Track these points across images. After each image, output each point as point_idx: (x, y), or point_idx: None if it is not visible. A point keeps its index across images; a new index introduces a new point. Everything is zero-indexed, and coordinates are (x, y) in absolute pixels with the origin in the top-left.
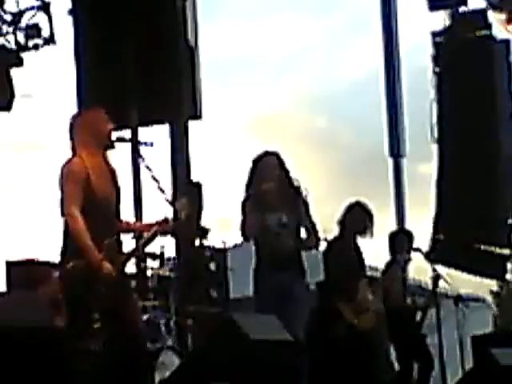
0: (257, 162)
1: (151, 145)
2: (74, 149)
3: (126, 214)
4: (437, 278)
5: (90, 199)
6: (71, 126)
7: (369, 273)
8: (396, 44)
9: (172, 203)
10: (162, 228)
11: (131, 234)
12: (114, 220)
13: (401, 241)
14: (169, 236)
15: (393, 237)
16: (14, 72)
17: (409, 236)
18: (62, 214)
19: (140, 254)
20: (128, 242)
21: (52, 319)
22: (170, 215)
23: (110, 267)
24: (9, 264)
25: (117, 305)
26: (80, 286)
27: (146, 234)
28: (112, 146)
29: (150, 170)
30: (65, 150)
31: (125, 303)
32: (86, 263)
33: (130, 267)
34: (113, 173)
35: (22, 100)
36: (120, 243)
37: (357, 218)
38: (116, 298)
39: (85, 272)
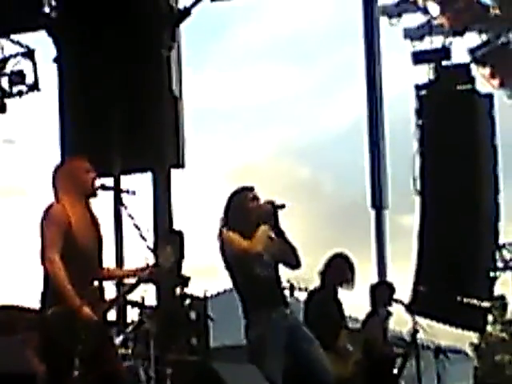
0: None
1: (134, 193)
2: (56, 197)
3: (108, 261)
4: (416, 329)
5: (70, 246)
6: (54, 175)
7: (349, 324)
8: (380, 96)
9: (154, 251)
10: (144, 275)
11: (113, 282)
12: (96, 268)
13: (382, 293)
14: (149, 284)
15: (374, 288)
16: None
17: (390, 288)
18: (42, 260)
19: (121, 302)
20: (110, 290)
21: (33, 365)
22: (152, 262)
23: (89, 312)
24: None
25: (97, 351)
26: (60, 332)
27: (127, 281)
28: (94, 195)
29: (132, 218)
30: (47, 196)
31: (106, 350)
32: (65, 309)
33: (110, 314)
34: (95, 221)
35: (4, 145)
36: (102, 291)
37: (338, 270)
38: (96, 344)
39: (64, 318)
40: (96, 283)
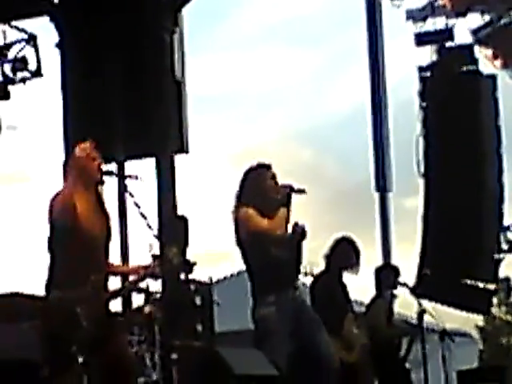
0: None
1: (138, 178)
2: (64, 185)
3: (113, 250)
4: (422, 312)
5: (78, 233)
6: (64, 164)
7: (355, 307)
8: (382, 78)
9: (159, 238)
10: (148, 272)
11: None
12: (102, 257)
13: (387, 276)
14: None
15: (378, 271)
16: (0, 104)
17: (395, 271)
18: (49, 248)
19: (125, 292)
20: (114, 280)
21: (38, 353)
22: (157, 255)
23: (93, 299)
24: None
25: (102, 338)
26: (62, 319)
27: (132, 277)
28: (102, 182)
29: (138, 206)
30: (51, 182)
31: (112, 336)
32: (65, 294)
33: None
34: (105, 211)
35: (7, 132)
36: (106, 281)
37: (343, 254)
38: (101, 330)
39: (68, 305)
40: (101, 272)
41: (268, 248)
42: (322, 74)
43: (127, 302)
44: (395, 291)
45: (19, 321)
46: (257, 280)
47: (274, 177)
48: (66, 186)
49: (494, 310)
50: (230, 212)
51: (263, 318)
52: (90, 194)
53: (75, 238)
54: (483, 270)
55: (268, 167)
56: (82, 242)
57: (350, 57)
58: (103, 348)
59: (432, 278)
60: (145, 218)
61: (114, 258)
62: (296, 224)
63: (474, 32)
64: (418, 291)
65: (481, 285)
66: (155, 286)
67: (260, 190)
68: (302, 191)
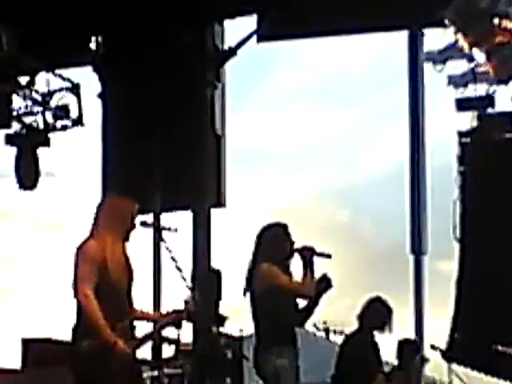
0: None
1: (175, 230)
2: (92, 232)
3: (144, 300)
4: (452, 377)
5: (104, 282)
6: (99, 209)
7: (386, 369)
8: (422, 140)
9: (192, 290)
10: (177, 318)
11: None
12: (126, 305)
13: (409, 350)
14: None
15: (401, 345)
16: (40, 151)
17: (417, 346)
18: (75, 295)
19: (155, 338)
20: (142, 328)
21: None
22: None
23: (124, 347)
24: (25, 341)
25: None
26: (93, 367)
27: (163, 321)
28: (133, 227)
29: (174, 260)
30: (85, 231)
31: None
32: (99, 343)
33: (146, 352)
34: (128, 260)
35: (45, 179)
36: (133, 328)
37: (376, 314)
38: (128, 381)
39: (99, 352)
40: (127, 320)
41: (284, 305)
42: (360, 134)
43: (158, 352)
44: (426, 355)
45: (50, 366)
46: (265, 331)
47: (287, 235)
48: (99, 231)
49: None
50: (249, 268)
51: (283, 367)
52: (119, 243)
53: (102, 285)
54: None
55: (283, 226)
56: (109, 289)
57: (389, 117)
58: None
59: (464, 343)
60: (180, 271)
61: (146, 307)
62: (325, 275)
63: None
64: (449, 355)
65: None
66: (186, 338)
67: (275, 247)
68: (326, 255)
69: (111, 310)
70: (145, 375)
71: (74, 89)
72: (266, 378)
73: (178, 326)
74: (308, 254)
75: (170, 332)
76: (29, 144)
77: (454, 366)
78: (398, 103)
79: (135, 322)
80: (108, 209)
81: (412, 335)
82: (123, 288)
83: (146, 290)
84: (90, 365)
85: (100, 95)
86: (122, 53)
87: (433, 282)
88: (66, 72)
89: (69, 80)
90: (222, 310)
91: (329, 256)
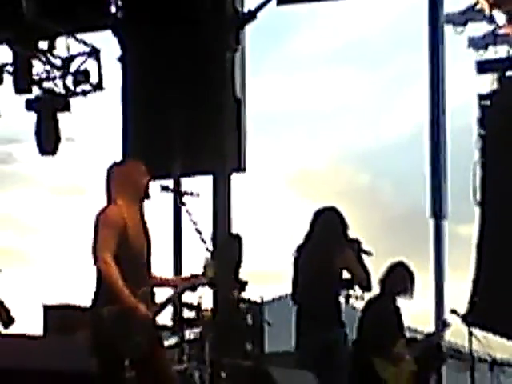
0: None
1: (197, 195)
2: (109, 197)
3: (165, 264)
4: (472, 341)
5: (124, 248)
6: (109, 175)
7: (407, 333)
8: (442, 103)
9: (212, 253)
10: (197, 282)
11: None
12: (145, 271)
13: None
14: (206, 287)
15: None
16: (61, 116)
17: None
18: (95, 260)
19: (175, 304)
20: (162, 293)
21: (88, 365)
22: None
23: (146, 311)
24: (46, 308)
25: (148, 354)
26: (115, 332)
27: (181, 286)
28: (148, 197)
29: (194, 223)
30: (105, 197)
31: (156, 352)
32: (121, 308)
33: (166, 318)
34: (145, 226)
35: (65, 143)
36: (153, 294)
37: (398, 279)
38: (149, 346)
39: (120, 318)
40: (148, 285)
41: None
42: (380, 97)
43: (178, 318)
44: (448, 320)
45: (71, 332)
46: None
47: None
48: (115, 198)
49: None
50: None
51: (336, 341)
52: (136, 208)
53: (122, 251)
54: None
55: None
56: (129, 255)
57: (409, 80)
58: (148, 363)
59: (484, 307)
60: (200, 233)
61: (167, 272)
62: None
63: None
64: (469, 319)
65: None
66: (207, 303)
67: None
68: (367, 253)
69: (131, 277)
70: (165, 343)
71: (94, 53)
72: None
73: (194, 290)
74: (354, 245)
75: (190, 297)
76: (49, 109)
77: (474, 330)
78: (418, 66)
79: (155, 289)
80: (120, 174)
81: (432, 299)
82: (143, 254)
83: (167, 255)
84: (111, 330)
85: (120, 59)
86: (142, 16)
87: (453, 246)
88: (86, 36)
89: (89, 44)
90: (243, 275)
91: (370, 253)
